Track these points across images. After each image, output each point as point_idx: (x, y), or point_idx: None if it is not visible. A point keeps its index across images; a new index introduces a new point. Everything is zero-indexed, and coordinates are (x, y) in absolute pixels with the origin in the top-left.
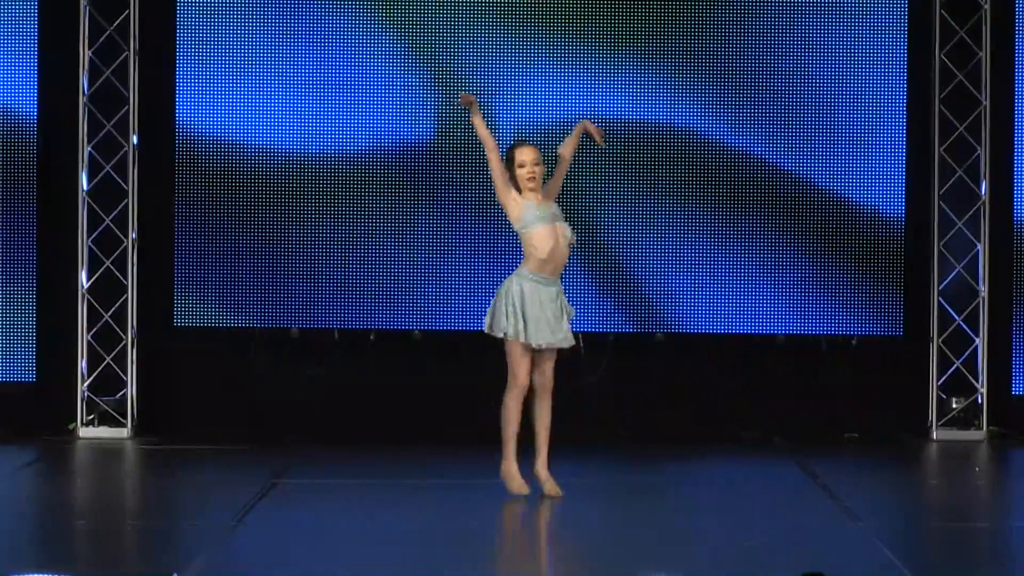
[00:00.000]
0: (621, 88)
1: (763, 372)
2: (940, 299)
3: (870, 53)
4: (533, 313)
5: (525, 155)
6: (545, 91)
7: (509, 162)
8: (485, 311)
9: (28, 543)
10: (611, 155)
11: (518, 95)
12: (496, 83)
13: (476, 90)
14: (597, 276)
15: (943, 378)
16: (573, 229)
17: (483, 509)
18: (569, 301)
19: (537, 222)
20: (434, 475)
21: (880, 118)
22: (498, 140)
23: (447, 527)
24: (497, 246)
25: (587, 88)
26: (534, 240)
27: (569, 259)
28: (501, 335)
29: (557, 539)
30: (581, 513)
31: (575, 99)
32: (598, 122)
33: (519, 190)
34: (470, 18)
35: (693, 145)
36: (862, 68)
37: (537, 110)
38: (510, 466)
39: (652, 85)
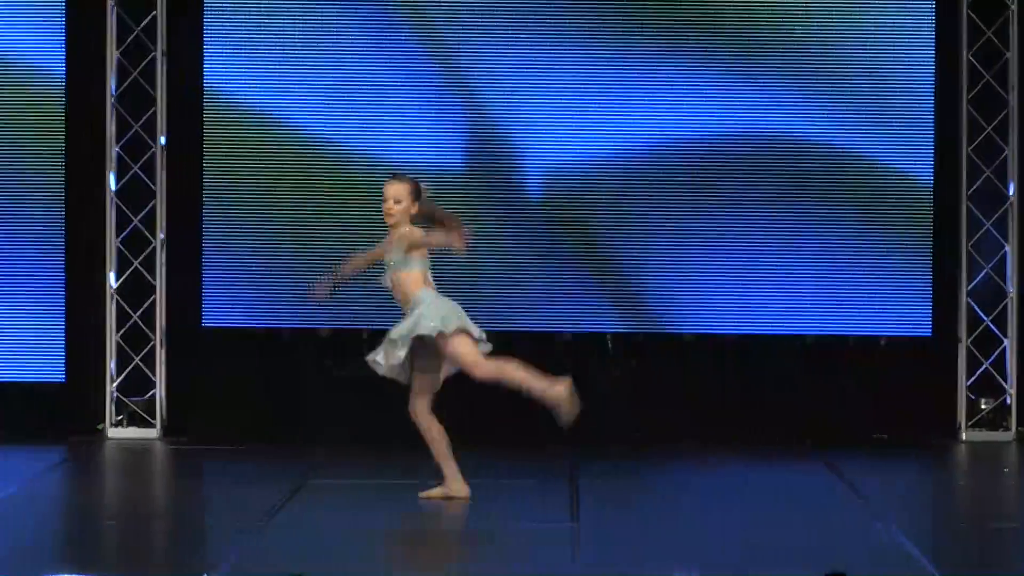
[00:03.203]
0: (653, 99)
1: (791, 373)
2: (969, 300)
3: (898, 54)
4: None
5: (385, 190)
6: (574, 108)
7: None
8: (510, 313)
9: (57, 543)
10: (631, 160)
11: (548, 111)
12: (523, 98)
13: (502, 106)
14: (622, 277)
15: (972, 379)
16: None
17: (512, 509)
18: (596, 301)
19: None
20: (464, 475)
21: (908, 119)
22: (531, 159)
23: (476, 527)
24: (515, 250)
25: (616, 103)
26: None
27: (602, 259)
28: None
29: (583, 538)
30: (606, 513)
31: (605, 115)
32: (626, 130)
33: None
34: (499, 31)
35: (717, 149)
36: (889, 70)
37: (565, 126)
38: None
39: (679, 94)
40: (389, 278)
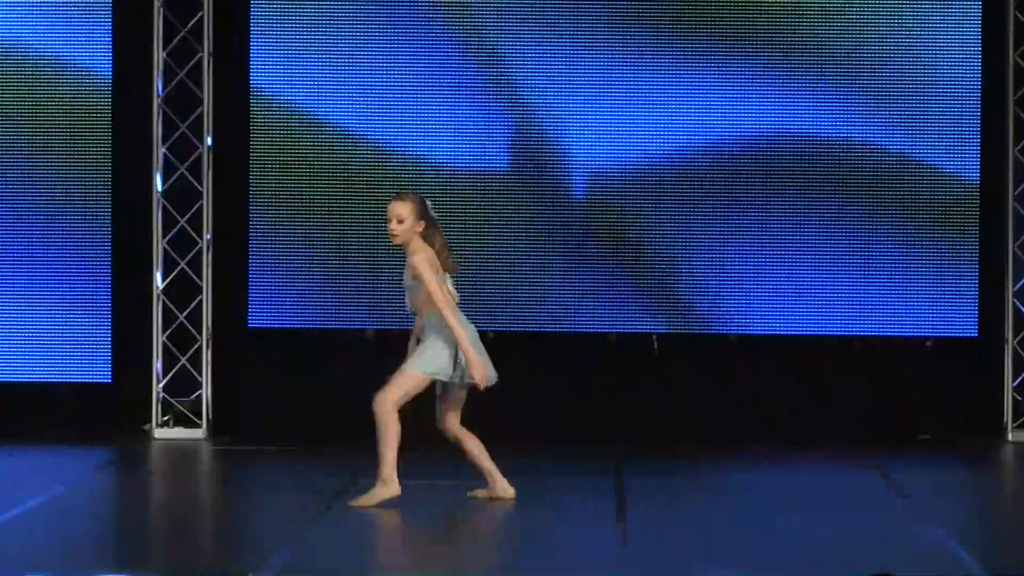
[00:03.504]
0: (700, 109)
1: (836, 374)
2: (1015, 300)
3: (944, 56)
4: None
5: (389, 209)
6: (616, 111)
7: None
8: (555, 313)
9: (104, 543)
10: (675, 162)
11: (590, 115)
12: (565, 103)
13: (545, 110)
14: (668, 278)
15: (1018, 380)
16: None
17: (559, 508)
18: (642, 302)
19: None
20: (509, 474)
21: (954, 120)
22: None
23: (522, 526)
24: (559, 252)
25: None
26: None
27: (647, 259)
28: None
29: (628, 538)
30: (653, 513)
31: (656, 129)
32: (670, 133)
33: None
34: (541, 36)
35: (763, 152)
36: (935, 72)
37: (616, 140)
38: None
39: (724, 98)
40: (408, 301)
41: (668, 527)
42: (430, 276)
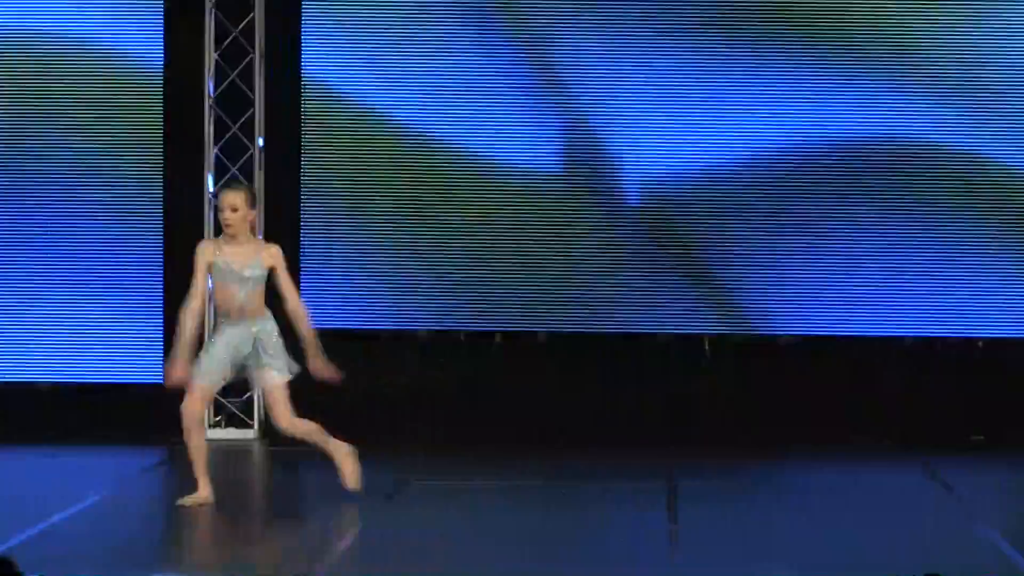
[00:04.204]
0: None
1: (888, 375)
2: None
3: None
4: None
5: (221, 199)
6: (674, 112)
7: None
8: (600, 315)
9: (156, 543)
10: (730, 163)
11: (648, 114)
12: (622, 103)
13: (602, 110)
14: (719, 279)
15: None
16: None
17: (610, 510)
18: (693, 303)
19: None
20: (561, 476)
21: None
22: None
23: (574, 527)
24: (612, 252)
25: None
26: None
27: (699, 261)
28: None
29: (677, 539)
30: (704, 514)
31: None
32: (727, 132)
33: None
34: (599, 37)
35: (818, 150)
36: (1017, 72)
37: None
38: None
39: (786, 96)
40: (244, 293)
41: (719, 527)
42: (284, 268)
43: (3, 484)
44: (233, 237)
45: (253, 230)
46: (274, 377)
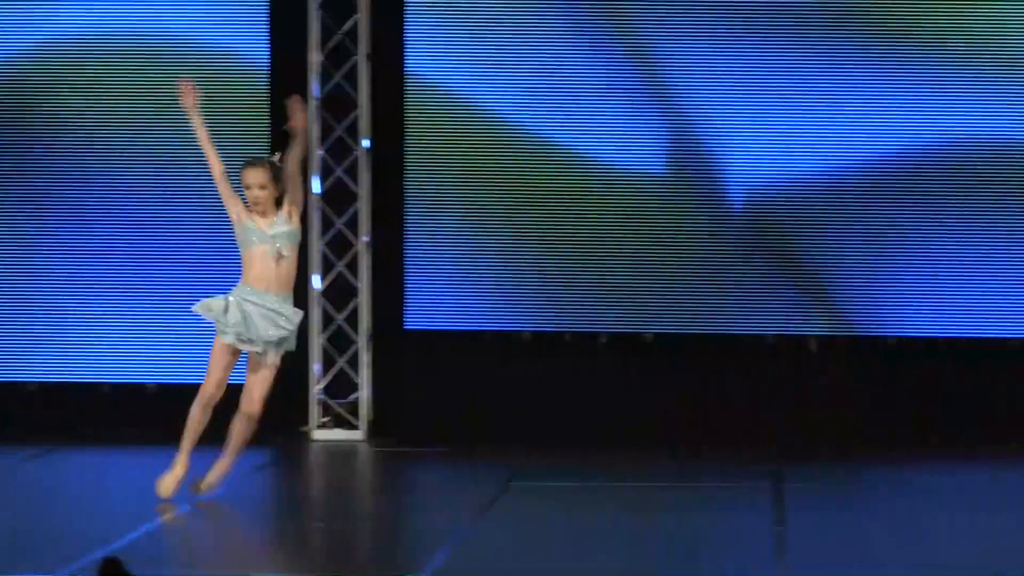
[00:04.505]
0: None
1: (994, 375)
2: None
3: None
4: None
5: (247, 178)
6: (773, 107)
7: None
8: (706, 315)
9: (266, 543)
10: (835, 162)
11: (749, 106)
12: (724, 94)
13: (704, 104)
14: (823, 280)
15: None
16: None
17: (716, 511)
18: (798, 304)
19: (253, 244)
20: (669, 477)
21: None
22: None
23: (680, 529)
24: (714, 250)
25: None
26: (246, 259)
27: (802, 261)
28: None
29: (789, 541)
30: (812, 516)
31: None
32: (830, 131)
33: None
34: (703, 27)
35: (911, 155)
36: None
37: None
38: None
39: (905, 91)
40: (279, 250)
41: (828, 531)
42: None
43: (117, 483)
44: (262, 214)
45: (278, 204)
46: (274, 357)
